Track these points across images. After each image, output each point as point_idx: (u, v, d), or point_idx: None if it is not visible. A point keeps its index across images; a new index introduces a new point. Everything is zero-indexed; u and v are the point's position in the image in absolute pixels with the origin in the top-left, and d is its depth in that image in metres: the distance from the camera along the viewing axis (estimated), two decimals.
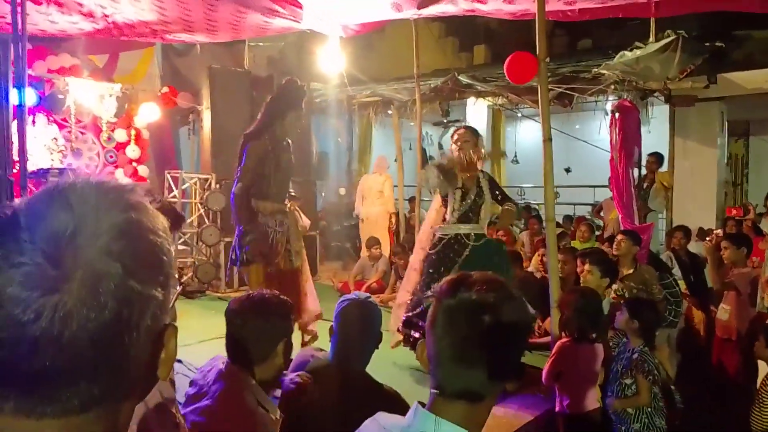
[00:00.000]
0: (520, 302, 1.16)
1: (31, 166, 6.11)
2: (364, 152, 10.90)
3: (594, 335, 3.29)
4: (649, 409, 3.20)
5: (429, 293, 4.01)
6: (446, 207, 4.45)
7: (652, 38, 6.72)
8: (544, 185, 3.87)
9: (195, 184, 8.03)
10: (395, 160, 8.77)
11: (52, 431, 0.56)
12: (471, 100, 9.85)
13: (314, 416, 2.08)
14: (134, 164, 8.36)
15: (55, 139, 7.53)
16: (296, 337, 2.45)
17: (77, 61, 7.90)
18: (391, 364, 4.35)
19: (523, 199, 11.18)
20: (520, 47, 4.09)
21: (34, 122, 7.23)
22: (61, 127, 7.67)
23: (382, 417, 1.21)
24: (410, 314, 4.28)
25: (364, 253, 8.58)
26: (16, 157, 3.68)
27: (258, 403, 1.86)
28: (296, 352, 2.24)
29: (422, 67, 7.36)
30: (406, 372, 4.34)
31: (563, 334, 3.44)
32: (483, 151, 4.59)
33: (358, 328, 2.21)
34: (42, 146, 7.33)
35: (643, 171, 7.70)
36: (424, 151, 7.41)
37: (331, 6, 5.45)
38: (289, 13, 5.31)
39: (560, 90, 7.83)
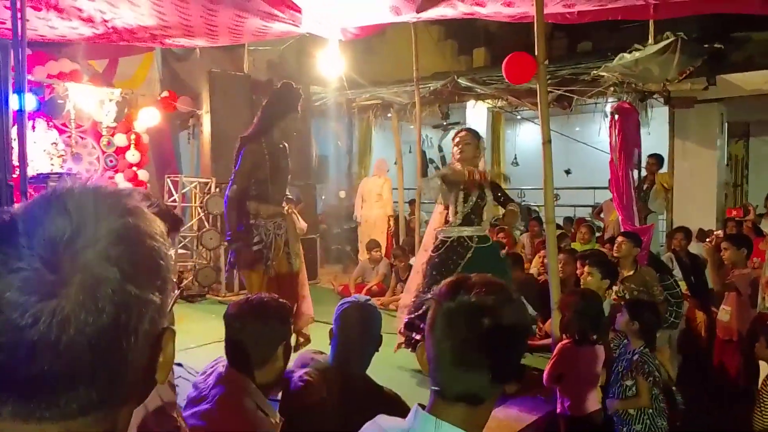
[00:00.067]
0: (520, 304, 1.17)
1: (32, 171, 6.11)
2: (363, 155, 10.91)
3: (595, 337, 3.29)
4: (651, 410, 3.19)
5: (430, 295, 4.01)
6: (448, 209, 4.45)
7: (651, 40, 6.73)
8: (544, 187, 3.87)
9: (195, 188, 8.04)
10: (395, 163, 8.78)
11: None
12: (471, 103, 9.86)
13: (315, 419, 2.08)
14: (134, 169, 8.36)
15: (55, 143, 7.54)
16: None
17: (77, 66, 7.92)
18: (392, 366, 4.35)
19: (524, 201, 11.18)
20: (520, 50, 4.09)
21: (34, 127, 7.25)
22: (61, 132, 7.68)
23: (383, 419, 1.21)
24: (412, 316, 4.28)
25: (362, 255, 8.58)
26: (16, 162, 3.68)
27: (257, 407, 1.86)
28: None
29: (422, 70, 7.37)
30: (407, 374, 4.34)
31: (564, 336, 3.44)
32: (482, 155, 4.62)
33: (358, 331, 2.21)
34: (42, 151, 7.34)
35: (643, 172, 7.70)
36: (423, 153, 7.41)
37: (331, 9, 5.46)
38: (288, 17, 5.32)
39: (560, 92, 7.84)
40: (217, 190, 7.71)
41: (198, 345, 4.75)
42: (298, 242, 4.46)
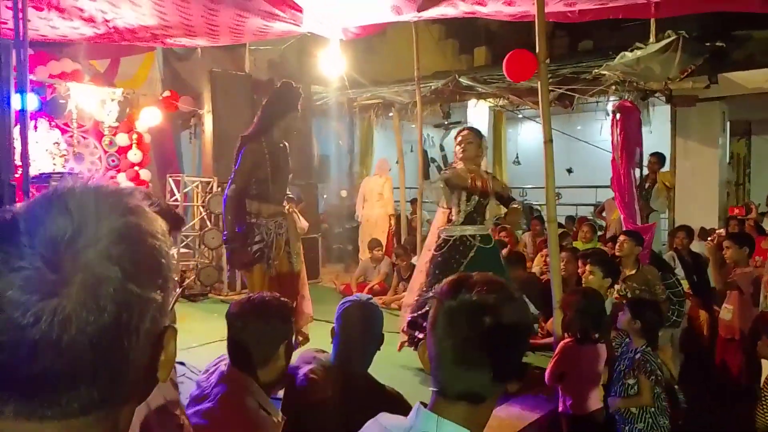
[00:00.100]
0: (521, 303, 1.17)
1: (34, 171, 6.12)
2: (365, 155, 10.91)
3: (596, 336, 3.29)
4: (653, 409, 3.19)
5: (432, 294, 4.01)
6: (451, 208, 4.46)
7: (652, 39, 6.72)
8: (545, 186, 3.87)
9: (197, 187, 8.05)
10: (396, 163, 8.78)
11: None
12: (472, 102, 9.85)
13: (319, 416, 2.08)
14: (136, 168, 8.37)
15: (57, 143, 7.55)
16: None
17: (78, 66, 7.93)
18: (395, 365, 4.35)
19: (525, 200, 11.17)
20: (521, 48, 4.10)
21: (36, 127, 7.26)
22: (63, 131, 7.69)
23: (384, 418, 1.21)
24: (415, 315, 4.29)
25: (361, 255, 8.58)
26: (18, 162, 3.69)
27: (259, 406, 1.86)
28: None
29: (423, 70, 7.36)
30: (410, 373, 4.34)
31: (566, 334, 3.44)
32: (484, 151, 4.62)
33: (360, 330, 2.21)
34: (44, 151, 7.35)
35: (645, 171, 7.69)
36: (425, 153, 7.41)
37: (331, 9, 5.46)
38: (289, 16, 5.32)
39: (561, 91, 7.84)
40: (219, 189, 7.71)
41: (200, 344, 4.75)
42: (299, 241, 4.47)
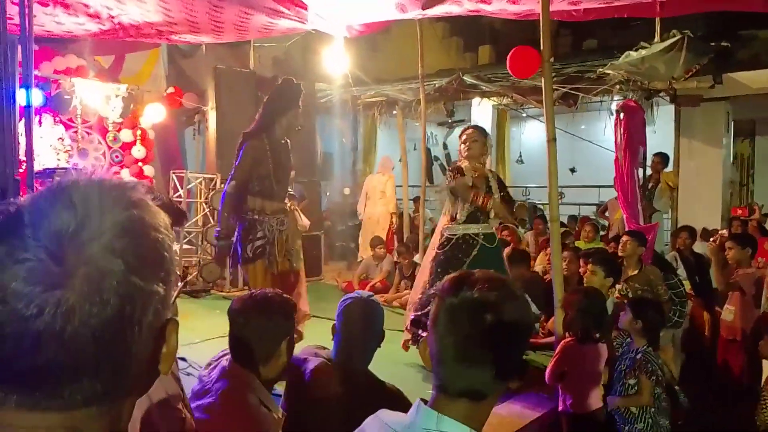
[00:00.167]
0: (522, 301, 1.17)
1: (38, 166, 6.14)
2: (368, 152, 10.91)
3: (598, 335, 3.29)
4: (653, 409, 3.20)
5: (433, 291, 4.02)
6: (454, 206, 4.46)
7: (657, 38, 6.70)
8: (548, 185, 3.87)
9: (200, 183, 8.06)
10: (400, 161, 8.77)
11: (55, 424, 0.57)
12: (476, 101, 9.84)
13: (320, 413, 2.09)
14: (140, 164, 8.39)
15: (62, 139, 7.57)
16: None
17: (83, 62, 7.95)
18: (398, 362, 4.36)
19: (528, 199, 11.16)
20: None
21: (40, 122, 7.27)
22: (67, 127, 7.71)
23: (384, 414, 1.21)
24: (418, 313, 4.29)
25: (361, 252, 8.58)
26: (23, 157, 3.71)
27: (260, 402, 1.87)
28: None
29: (427, 68, 7.35)
30: (413, 370, 4.35)
31: (567, 333, 3.44)
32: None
33: (361, 327, 2.22)
34: (48, 146, 7.36)
35: (648, 171, 7.68)
36: (428, 151, 7.42)
37: (336, 6, 5.46)
38: (294, 14, 5.32)
39: (565, 90, 7.82)
40: (222, 186, 7.72)
41: (202, 340, 4.77)
42: (299, 240, 4.48)
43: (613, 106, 7.57)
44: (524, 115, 11.24)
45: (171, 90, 8.53)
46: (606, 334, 3.48)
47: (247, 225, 4.20)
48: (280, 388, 2.26)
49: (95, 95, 7.76)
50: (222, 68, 8.17)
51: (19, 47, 3.41)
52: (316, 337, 2.78)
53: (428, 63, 7.50)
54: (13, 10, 3.52)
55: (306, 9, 5.26)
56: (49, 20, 5.25)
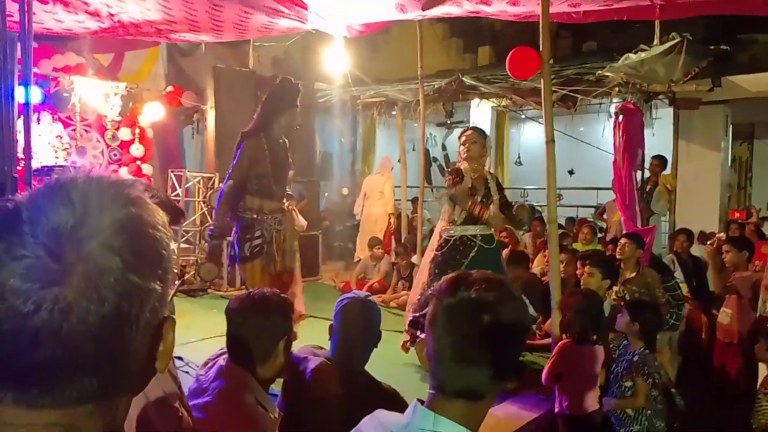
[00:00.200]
0: (520, 301, 1.17)
1: (36, 164, 6.12)
2: (367, 152, 10.91)
3: (595, 337, 3.29)
4: (649, 412, 3.20)
5: (430, 291, 4.02)
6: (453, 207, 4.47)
7: (656, 41, 6.70)
8: (546, 187, 3.87)
9: (198, 182, 8.06)
10: (398, 161, 8.78)
11: (51, 420, 0.57)
12: (475, 102, 9.85)
13: (318, 412, 2.09)
14: (138, 163, 8.38)
15: (60, 137, 7.56)
16: None
17: (82, 60, 7.94)
18: (393, 362, 4.36)
19: (526, 200, 11.17)
20: None
21: (39, 120, 7.26)
22: (65, 125, 7.70)
23: (381, 414, 1.22)
24: (417, 314, 4.30)
25: (358, 253, 8.58)
26: (21, 155, 3.70)
27: (257, 401, 1.86)
28: None
29: (426, 68, 7.35)
30: (408, 370, 4.35)
31: (564, 335, 3.44)
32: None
33: (358, 327, 2.22)
34: (47, 144, 7.35)
35: (647, 174, 7.69)
36: (427, 152, 7.42)
37: (336, 6, 5.46)
38: (294, 13, 5.33)
39: (564, 92, 7.83)
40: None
41: (199, 339, 4.77)
42: (295, 240, 4.49)
43: (612, 109, 7.58)
44: (523, 116, 11.26)
45: (170, 89, 8.53)
46: (603, 336, 3.48)
47: (245, 224, 4.20)
48: (276, 388, 2.26)
49: (94, 93, 7.75)
50: (221, 67, 8.17)
51: (19, 44, 3.41)
52: (312, 337, 2.78)
53: (428, 64, 7.50)
54: (12, 8, 3.51)
55: (306, 9, 5.26)
56: (48, 18, 5.24)
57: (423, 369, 4.26)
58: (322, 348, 2.36)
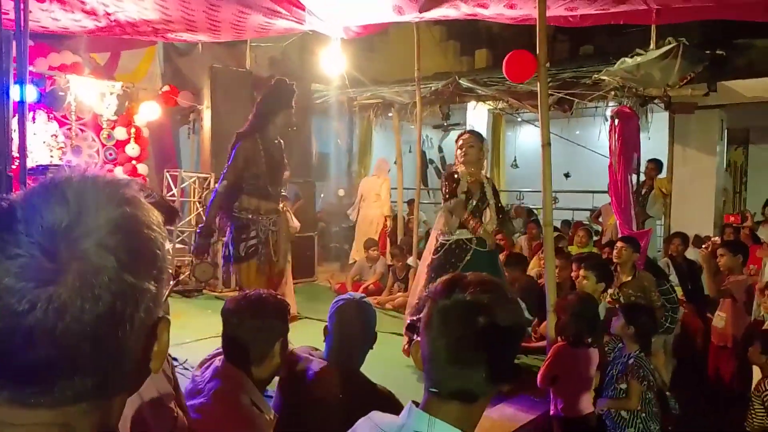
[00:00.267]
0: (515, 304, 1.17)
1: (31, 163, 6.11)
2: (364, 154, 10.91)
3: (590, 340, 3.30)
4: (644, 414, 3.21)
5: (426, 294, 4.03)
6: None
7: (653, 45, 6.74)
8: (542, 190, 3.88)
9: (194, 183, 8.04)
10: (395, 163, 8.79)
11: (46, 420, 0.57)
12: (471, 104, 9.85)
13: (317, 413, 2.08)
14: (134, 162, 8.37)
15: (55, 135, 7.54)
16: None
17: (79, 59, 7.93)
18: (389, 364, 4.36)
19: (522, 203, 11.18)
20: None
21: (34, 119, 7.24)
22: (61, 124, 7.68)
23: (376, 416, 1.21)
24: (414, 318, 4.29)
25: (354, 254, 8.57)
26: (15, 153, 3.68)
27: (252, 402, 1.86)
28: None
29: (423, 70, 7.37)
30: (406, 372, 4.36)
31: (559, 338, 3.45)
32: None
33: (353, 328, 2.21)
34: (42, 143, 7.33)
35: (642, 177, 7.71)
36: (423, 154, 7.42)
37: (334, 8, 5.46)
38: (291, 14, 5.33)
39: (560, 95, 7.84)
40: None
41: (194, 340, 4.75)
42: (288, 242, 4.50)
43: (608, 112, 7.60)
44: (519, 119, 11.28)
45: (166, 88, 8.52)
46: (598, 339, 3.49)
47: (241, 224, 4.20)
48: (271, 389, 2.26)
49: (90, 92, 7.74)
50: (218, 67, 8.15)
51: (14, 43, 3.40)
52: (308, 339, 2.78)
53: (425, 66, 7.52)
54: (8, 5, 3.50)
55: (303, 9, 5.26)
56: (44, 16, 5.23)
57: (418, 371, 4.26)
58: (317, 349, 2.35)
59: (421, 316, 3.95)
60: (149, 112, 8.26)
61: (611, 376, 3.34)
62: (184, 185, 7.95)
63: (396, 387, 2.31)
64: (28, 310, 0.53)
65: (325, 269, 9.07)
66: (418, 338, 3.98)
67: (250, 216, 4.19)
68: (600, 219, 8.40)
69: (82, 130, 7.94)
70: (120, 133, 8.22)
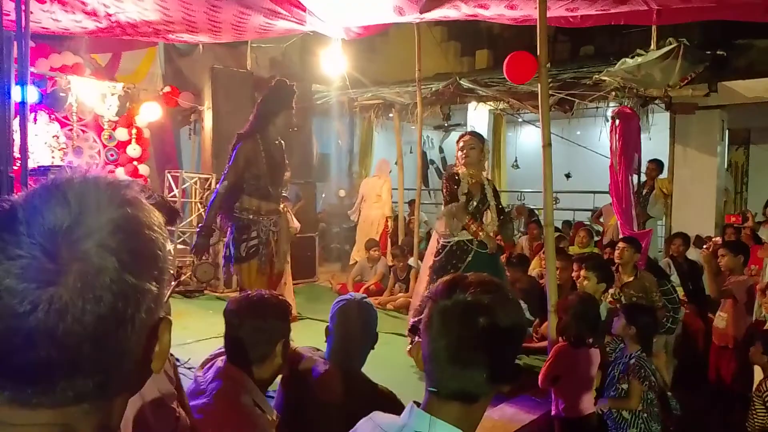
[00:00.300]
0: (515, 304, 1.17)
1: (32, 164, 6.12)
2: (364, 155, 10.91)
3: (591, 340, 3.30)
4: (645, 415, 3.20)
5: (427, 295, 4.03)
6: None
7: (653, 46, 6.74)
8: (543, 190, 3.88)
9: (195, 183, 8.05)
10: (395, 163, 8.79)
11: (47, 420, 0.57)
12: (472, 105, 9.85)
13: (320, 413, 2.08)
14: (135, 163, 8.37)
15: (57, 136, 7.55)
16: None
17: (80, 60, 7.93)
18: (393, 364, 4.37)
19: (523, 203, 11.18)
20: None
21: (35, 120, 7.25)
22: (62, 125, 7.69)
23: (377, 416, 1.21)
24: (416, 320, 4.31)
25: (355, 255, 8.57)
26: (17, 154, 3.69)
27: (254, 403, 1.86)
28: None
29: (424, 71, 7.37)
30: (407, 372, 4.36)
31: (560, 338, 3.45)
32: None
33: (354, 329, 2.21)
34: (43, 144, 7.34)
35: (643, 178, 7.71)
36: (424, 154, 7.43)
37: (335, 8, 5.47)
38: (291, 15, 5.33)
39: (561, 96, 7.84)
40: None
41: (195, 340, 4.76)
42: (288, 243, 4.50)
43: (609, 113, 7.60)
44: (520, 120, 11.27)
45: (167, 89, 8.53)
46: (599, 339, 3.49)
47: (242, 225, 4.20)
48: (272, 389, 2.26)
49: (91, 93, 7.75)
50: (219, 68, 8.16)
51: (15, 43, 3.40)
52: (309, 339, 2.78)
53: (425, 66, 7.52)
54: (9, 6, 3.50)
55: (304, 10, 5.27)
56: (46, 17, 5.24)
57: (420, 371, 4.26)
58: (318, 350, 2.35)
59: (421, 318, 3.95)
60: (150, 113, 8.27)
61: (612, 376, 3.34)
62: (185, 186, 7.95)
63: (397, 387, 2.31)
64: (30, 311, 0.53)
65: (326, 270, 9.07)
66: (418, 338, 4.00)
67: (251, 216, 4.20)
68: (601, 219, 8.40)
69: (83, 131, 7.95)
70: (121, 133, 8.23)
